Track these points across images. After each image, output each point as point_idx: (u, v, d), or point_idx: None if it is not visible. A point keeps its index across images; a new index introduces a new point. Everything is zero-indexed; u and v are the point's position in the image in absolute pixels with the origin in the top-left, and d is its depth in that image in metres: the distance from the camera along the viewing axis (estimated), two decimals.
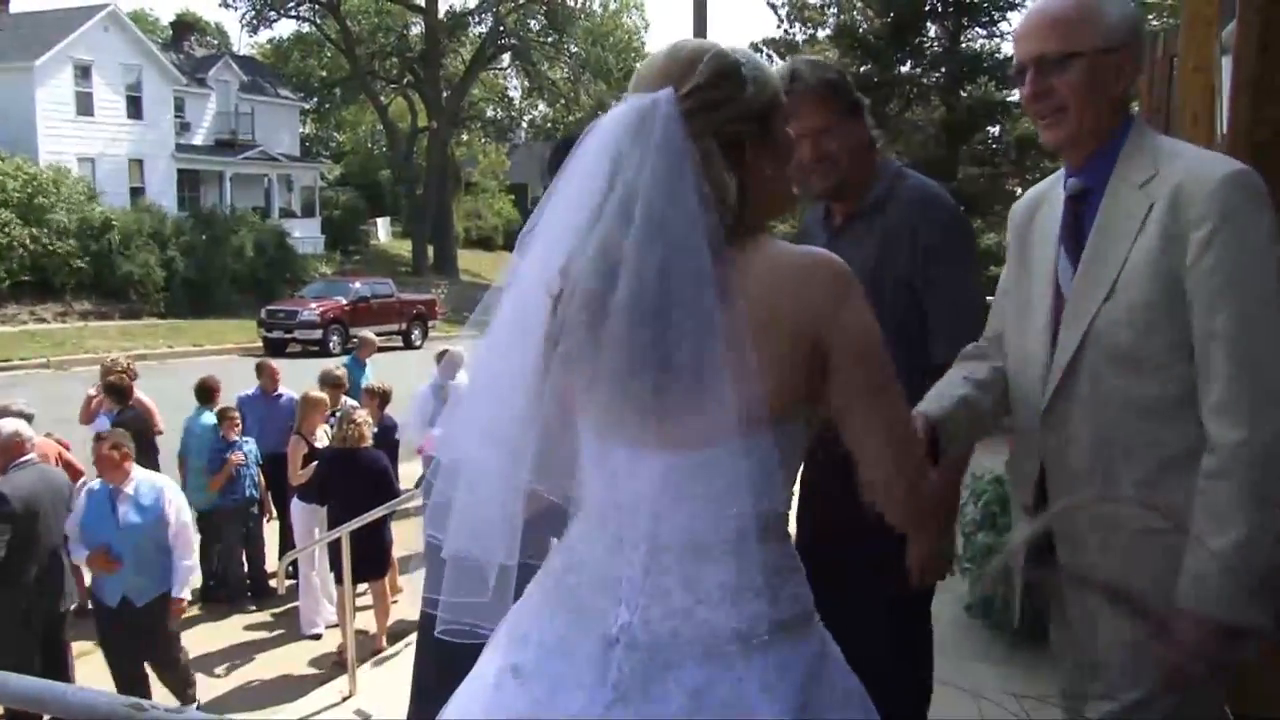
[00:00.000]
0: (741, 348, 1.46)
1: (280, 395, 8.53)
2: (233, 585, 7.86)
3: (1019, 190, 25.76)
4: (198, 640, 7.02)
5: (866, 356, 1.54)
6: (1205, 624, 1.81)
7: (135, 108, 34.10)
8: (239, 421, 7.87)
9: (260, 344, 24.64)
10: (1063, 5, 2.02)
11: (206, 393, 8.04)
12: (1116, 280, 1.95)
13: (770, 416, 1.50)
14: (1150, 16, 29.47)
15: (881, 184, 2.72)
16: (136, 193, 33.05)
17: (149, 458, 7.66)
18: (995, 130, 24.82)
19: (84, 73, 32.39)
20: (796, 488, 2.72)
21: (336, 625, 7.06)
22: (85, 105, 32.42)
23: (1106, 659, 2.03)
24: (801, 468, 1.77)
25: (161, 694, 5.58)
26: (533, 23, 45.92)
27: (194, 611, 7.61)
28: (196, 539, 5.87)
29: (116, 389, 7.72)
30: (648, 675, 1.52)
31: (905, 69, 24.42)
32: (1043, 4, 2.06)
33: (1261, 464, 1.80)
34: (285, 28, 48.24)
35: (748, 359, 1.47)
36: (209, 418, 7.90)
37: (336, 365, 9.33)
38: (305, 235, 37.25)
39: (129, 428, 7.49)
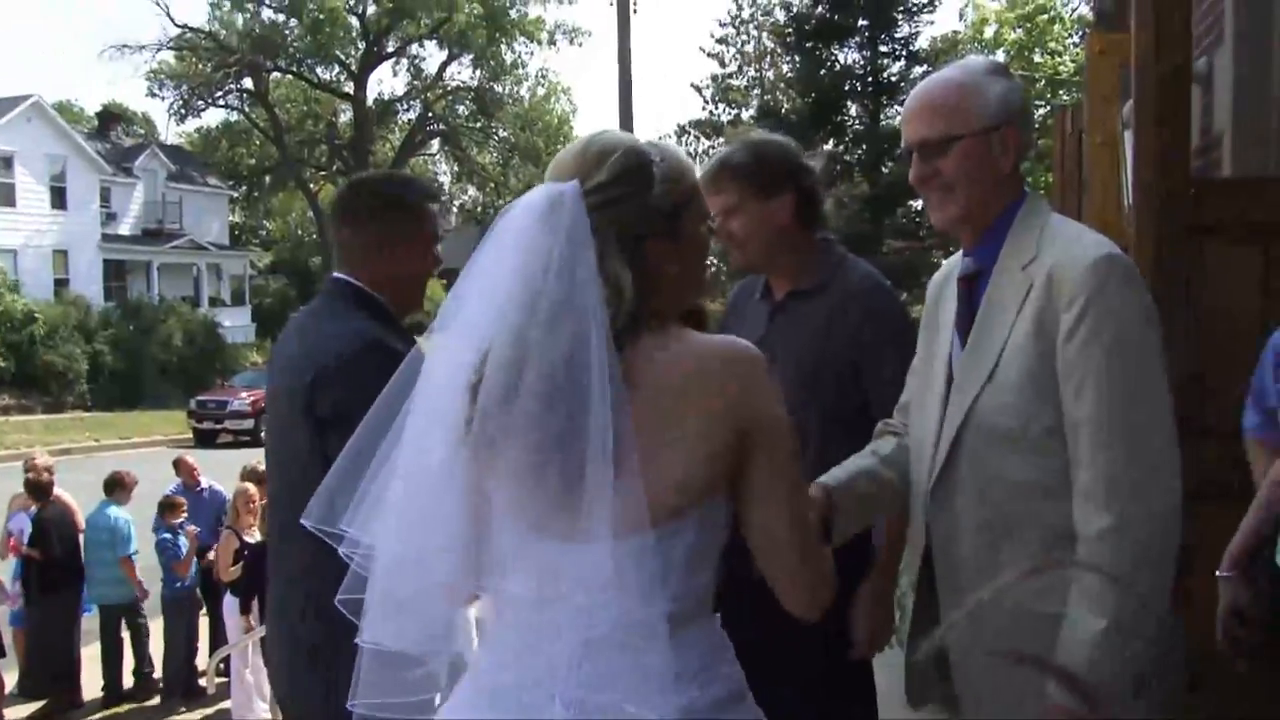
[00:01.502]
0: (652, 435, 1.49)
1: (204, 489, 8.37)
2: (170, 681, 7.58)
3: (943, 262, 26.32)
4: None
5: (778, 445, 1.57)
6: (1074, 712, 1.79)
7: (60, 198, 33.63)
8: (184, 508, 7.72)
9: (190, 435, 24.16)
10: (942, 89, 2.06)
11: (110, 486, 7.85)
12: (997, 362, 1.96)
13: (692, 501, 1.53)
14: (1061, 91, 30.58)
15: (824, 267, 2.73)
16: (61, 284, 32.49)
17: (71, 555, 7.45)
18: (918, 204, 25.42)
19: (6, 164, 31.97)
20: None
21: None
22: (7, 196, 31.94)
23: None
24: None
25: None
26: (461, 108, 46.39)
27: (120, 709, 7.35)
28: None
29: (36, 486, 7.53)
30: None
31: (828, 147, 25.00)
32: (923, 88, 2.09)
33: (1127, 553, 1.81)
34: (213, 117, 48.16)
35: (660, 445, 1.49)
36: (115, 510, 7.71)
37: (260, 460, 9.16)
38: (235, 324, 36.81)
39: (49, 525, 7.31)
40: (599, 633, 1.52)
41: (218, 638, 7.68)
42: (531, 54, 46.50)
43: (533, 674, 1.55)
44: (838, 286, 2.69)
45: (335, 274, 2.58)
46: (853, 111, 25.49)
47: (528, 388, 1.49)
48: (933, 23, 71.90)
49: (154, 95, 45.46)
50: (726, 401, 1.53)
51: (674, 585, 1.53)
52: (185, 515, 7.65)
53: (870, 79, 24.79)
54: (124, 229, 36.77)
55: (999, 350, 1.95)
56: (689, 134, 31.38)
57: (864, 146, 24.73)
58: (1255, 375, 2.70)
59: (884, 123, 24.97)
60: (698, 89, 31.73)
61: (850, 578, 2.43)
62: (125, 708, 7.39)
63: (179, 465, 8.52)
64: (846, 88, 24.71)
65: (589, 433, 1.46)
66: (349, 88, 44.79)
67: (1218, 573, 2.47)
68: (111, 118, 41.98)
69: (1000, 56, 38.92)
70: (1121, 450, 1.82)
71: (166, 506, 7.69)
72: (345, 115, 46.54)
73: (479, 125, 46.41)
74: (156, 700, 7.58)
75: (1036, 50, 38.09)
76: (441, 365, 1.58)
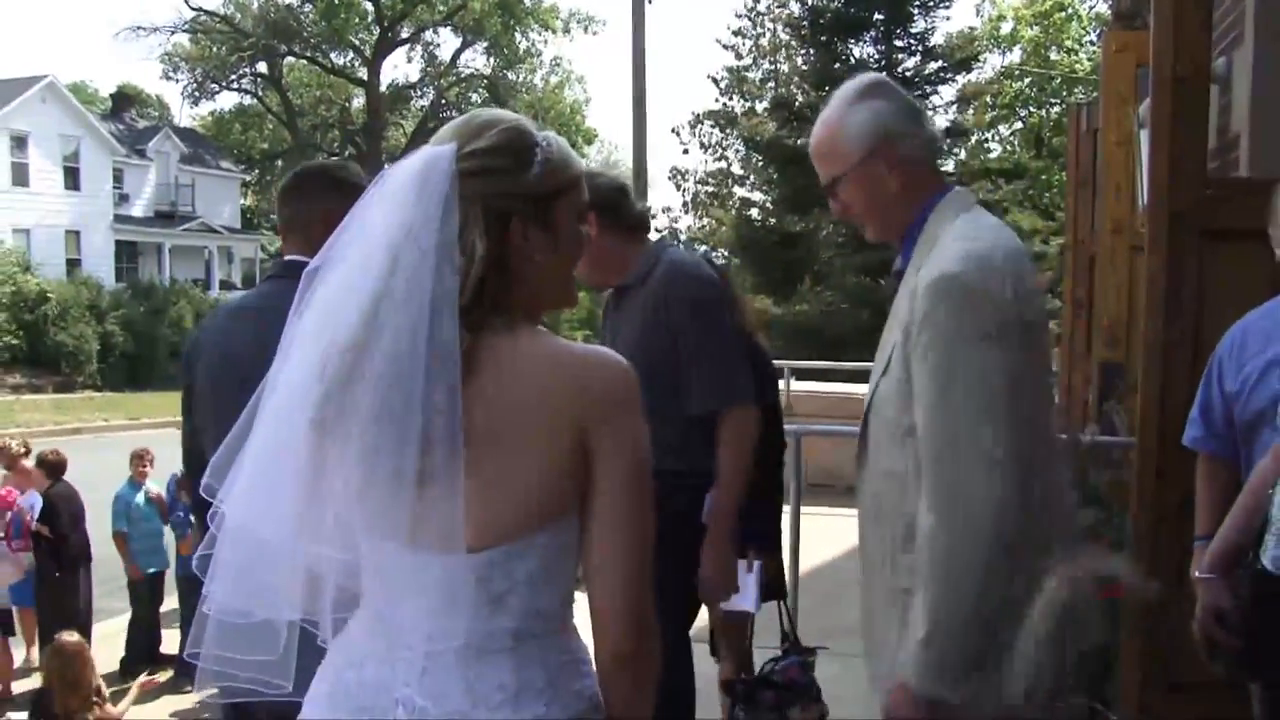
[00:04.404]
0: (491, 441, 1.43)
1: None
2: (182, 658, 7.57)
3: None
4: None
5: (620, 468, 1.48)
6: (904, 693, 1.96)
7: (73, 179, 33.75)
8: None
9: None
10: (817, 139, 2.20)
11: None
12: (889, 359, 2.09)
13: (535, 519, 1.46)
14: (1078, 89, 30.46)
15: (645, 260, 3.06)
16: (73, 264, 32.61)
17: (80, 534, 7.46)
18: None
19: (20, 143, 32.06)
20: None
21: None
22: (21, 176, 32.04)
23: None
24: None
25: None
26: (474, 96, 46.35)
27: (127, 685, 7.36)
28: None
29: (53, 465, 7.54)
30: None
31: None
32: (813, 134, 2.23)
33: (946, 551, 1.91)
34: (227, 100, 48.32)
35: (500, 454, 1.43)
36: (124, 486, 7.76)
37: None
38: None
39: (60, 503, 7.32)
40: (440, 644, 1.49)
41: None
42: (545, 42, 46.38)
43: (378, 677, 1.52)
44: (651, 280, 3.01)
45: (286, 257, 2.56)
46: None
47: (367, 369, 1.41)
48: (949, 18, 71.77)
49: (168, 78, 45.64)
50: (574, 413, 1.45)
51: (517, 605, 1.48)
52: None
53: (885, 74, 24.69)
54: (136, 210, 36.88)
55: (891, 348, 2.08)
56: (703, 124, 31.32)
57: None
58: (1201, 388, 2.76)
59: None
60: (714, 80, 31.66)
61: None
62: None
63: None
64: None
65: (420, 428, 1.39)
66: (363, 73, 44.79)
67: (1196, 574, 2.51)
68: (125, 99, 42.04)
69: (1016, 53, 38.82)
70: (940, 461, 1.93)
71: (180, 485, 7.70)
72: (358, 101, 46.58)
73: None
74: (168, 675, 7.59)
75: (1053, 48, 37.93)
76: (299, 337, 1.49)
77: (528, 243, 1.51)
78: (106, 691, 5.11)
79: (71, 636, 5.28)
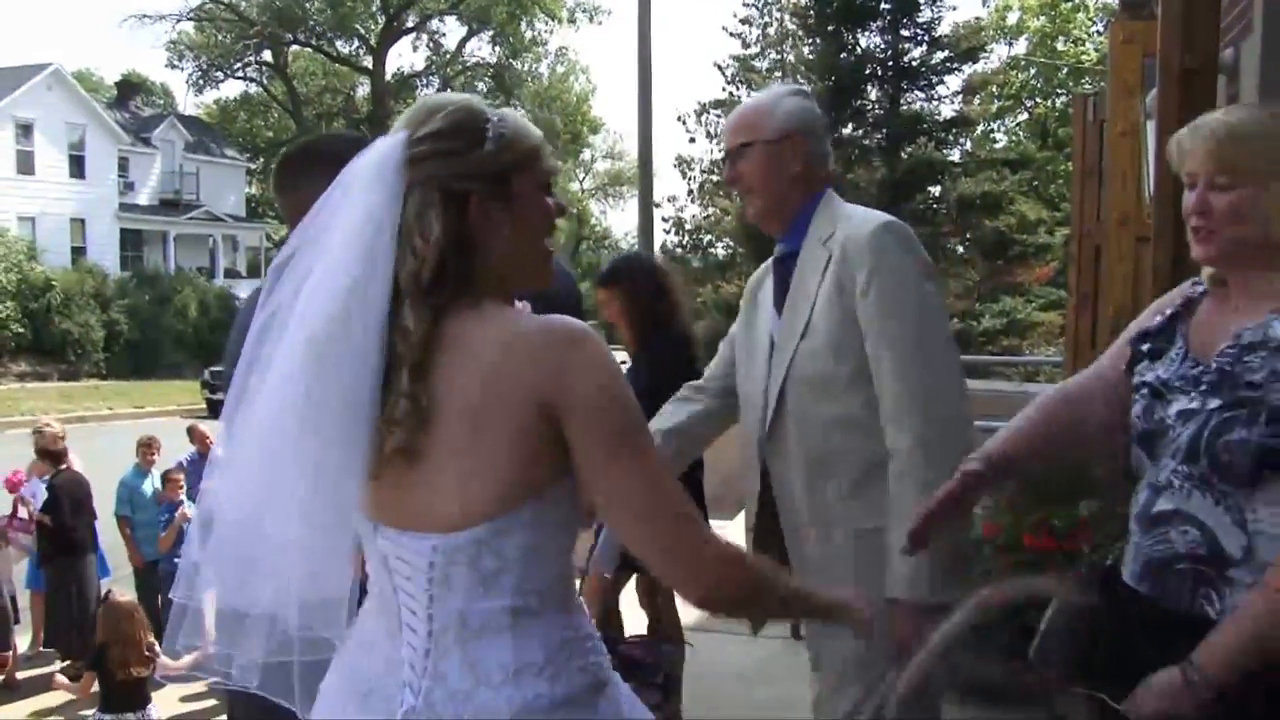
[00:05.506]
0: (463, 421, 1.44)
1: None
2: (166, 652, 7.62)
3: (960, 249, 26.31)
4: None
5: (601, 419, 1.46)
6: (908, 607, 2.12)
7: (78, 167, 33.79)
8: (182, 483, 7.71)
9: (204, 405, 24.27)
10: (742, 109, 2.55)
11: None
12: (808, 322, 2.33)
13: (516, 496, 1.46)
14: (1085, 80, 30.31)
15: None
16: (78, 252, 32.67)
17: (84, 522, 7.48)
18: (936, 190, 25.33)
19: (25, 131, 32.08)
20: None
21: None
22: (26, 164, 32.07)
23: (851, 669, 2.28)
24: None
25: None
26: (480, 85, 46.31)
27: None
28: None
29: (51, 453, 7.55)
30: None
31: (847, 131, 24.93)
32: (735, 109, 2.57)
33: (930, 462, 2.13)
34: (232, 88, 48.37)
35: (472, 433, 1.44)
36: (128, 473, 7.77)
37: None
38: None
39: (62, 492, 7.33)
40: (443, 624, 1.50)
41: None
42: (551, 32, 46.31)
43: (386, 661, 1.54)
44: None
45: None
46: (873, 96, 25.41)
47: (338, 359, 1.43)
48: (955, 8, 71.59)
49: (173, 66, 45.63)
50: (536, 384, 1.44)
51: (511, 583, 1.48)
52: (183, 490, 7.64)
53: (891, 63, 24.70)
54: (141, 199, 36.91)
55: (809, 311, 2.34)
56: (708, 113, 31.25)
57: (884, 131, 24.66)
58: None
59: (904, 107, 24.89)
60: (720, 68, 31.55)
61: None
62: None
63: (192, 433, 8.53)
64: (867, 72, 24.65)
65: (387, 411, 1.44)
66: (368, 62, 44.78)
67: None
68: (130, 87, 42.03)
69: (1022, 44, 38.69)
70: (914, 380, 2.19)
71: (164, 480, 7.70)
72: (363, 89, 46.55)
73: (497, 102, 46.06)
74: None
75: (1060, 38, 37.81)
76: (276, 329, 1.50)
77: (489, 220, 1.52)
78: (158, 648, 5.29)
79: (123, 596, 5.55)
